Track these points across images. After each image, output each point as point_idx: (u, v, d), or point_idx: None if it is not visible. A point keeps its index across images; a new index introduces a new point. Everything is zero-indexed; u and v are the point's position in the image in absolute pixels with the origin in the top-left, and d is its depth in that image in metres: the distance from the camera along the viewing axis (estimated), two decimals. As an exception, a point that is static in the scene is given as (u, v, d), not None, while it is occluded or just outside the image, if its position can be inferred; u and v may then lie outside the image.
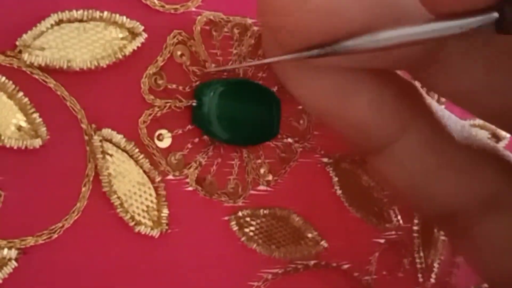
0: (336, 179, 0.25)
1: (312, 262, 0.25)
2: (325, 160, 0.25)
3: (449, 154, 0.17)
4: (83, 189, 0.20)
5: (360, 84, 0.16)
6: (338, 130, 0.18)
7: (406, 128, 0.17)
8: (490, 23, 0.13)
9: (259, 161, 0.23)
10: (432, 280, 0.28)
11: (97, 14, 0.20)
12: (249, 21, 0.22)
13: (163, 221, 0.21)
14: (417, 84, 0.19)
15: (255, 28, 0.22)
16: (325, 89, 0.16)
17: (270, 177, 0.23)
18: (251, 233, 0.23)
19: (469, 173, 0.17)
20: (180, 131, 0.21)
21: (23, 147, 0.19)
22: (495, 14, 0.13)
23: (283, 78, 0.18)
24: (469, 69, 0.15)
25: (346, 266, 0.26)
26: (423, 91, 0.18)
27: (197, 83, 0.22)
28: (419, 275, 0.28)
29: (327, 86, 0.16)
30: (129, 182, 0.21)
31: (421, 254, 0.28)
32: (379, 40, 0.14)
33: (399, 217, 0.27)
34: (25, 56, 0.19)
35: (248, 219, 0.23)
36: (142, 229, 0.21)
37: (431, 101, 0.18)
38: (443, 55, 0.16)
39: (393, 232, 0.27)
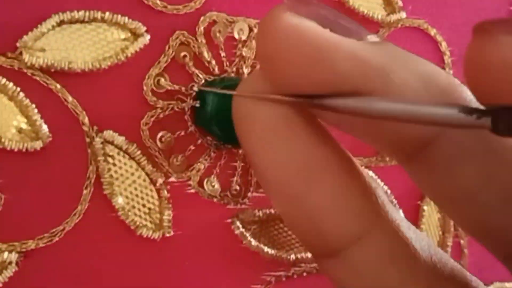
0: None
1: (315, 264, 0.24)
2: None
3: (413, 271, 0.16)
4: (84, 191, 0.20)
5: (328, 168, 0.15)
6: (289, 222, 0.15)
7: (367, 233, 0.15)
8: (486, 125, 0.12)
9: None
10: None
11: (99, 15, 0.19)
12: (253, 21, 0.22)
13: (166, 224, 0.21)
14: (381, 191, 0.17)
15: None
16: (289, 162, 0.14)
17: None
18: (255, 236, 0.23)
19: None
20: (182, 133, 0.21)
21: (23, 150, 0.19)
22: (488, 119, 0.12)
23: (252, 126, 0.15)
24: (461, 172, 0.14)
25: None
26: (388, 201, 0.17)
27: (200, 83, 0.21)
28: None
29: (293, 157, 0.14)
30: (131, 185, 0.21)
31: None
32: (366, 107, 0.13)
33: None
34: (26, 57, 0.18)
35: (251, 221, 0.23)
36: (143, 231, 0.21)
37: (397, 213, 0.17)
38: (436, 148, 0.15)
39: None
